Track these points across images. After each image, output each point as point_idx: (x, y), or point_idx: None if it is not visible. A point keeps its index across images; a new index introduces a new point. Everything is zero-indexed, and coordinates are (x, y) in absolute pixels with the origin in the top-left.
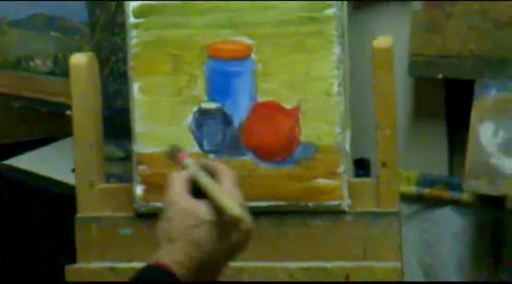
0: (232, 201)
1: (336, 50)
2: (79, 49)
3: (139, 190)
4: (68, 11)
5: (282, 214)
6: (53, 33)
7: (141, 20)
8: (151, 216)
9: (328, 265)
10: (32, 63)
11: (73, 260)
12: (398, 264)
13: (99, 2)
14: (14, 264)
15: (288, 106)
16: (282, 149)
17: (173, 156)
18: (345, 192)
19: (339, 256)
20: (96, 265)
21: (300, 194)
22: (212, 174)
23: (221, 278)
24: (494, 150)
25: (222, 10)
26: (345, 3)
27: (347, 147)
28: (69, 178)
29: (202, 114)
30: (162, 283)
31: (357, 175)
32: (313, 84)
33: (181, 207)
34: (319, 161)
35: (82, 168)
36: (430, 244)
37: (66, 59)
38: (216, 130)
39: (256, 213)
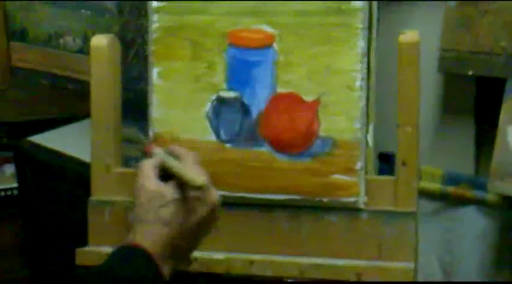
0: (195, 174)
1: (361, 43)
2: (108, 29)
3: None
4: None
5: (296, 209)
6: (83, 11)
7: (162, 4)
8: None
9: (340, 262)
10: (61, 41)
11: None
12: (411, 266)
13: None
14: (34, 238)
15: (308, 98)
16: (299, 142)
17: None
18: (362, 189)
19: (352, 254)
20: (107, 249)
21: (316, 189)
22: (178, 158)
23: (230, 269)
24: None
25: None
26: None
27: (370, 141)
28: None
29: (221, 102)
30: (136, 260)
31: (380, 169)
32: (335, 77)
33: (149, 190)
34: (336, 156)
35: (98, 150)
36: (452, 243)
37: None
38: (234, 120)
39: (270, 205)
